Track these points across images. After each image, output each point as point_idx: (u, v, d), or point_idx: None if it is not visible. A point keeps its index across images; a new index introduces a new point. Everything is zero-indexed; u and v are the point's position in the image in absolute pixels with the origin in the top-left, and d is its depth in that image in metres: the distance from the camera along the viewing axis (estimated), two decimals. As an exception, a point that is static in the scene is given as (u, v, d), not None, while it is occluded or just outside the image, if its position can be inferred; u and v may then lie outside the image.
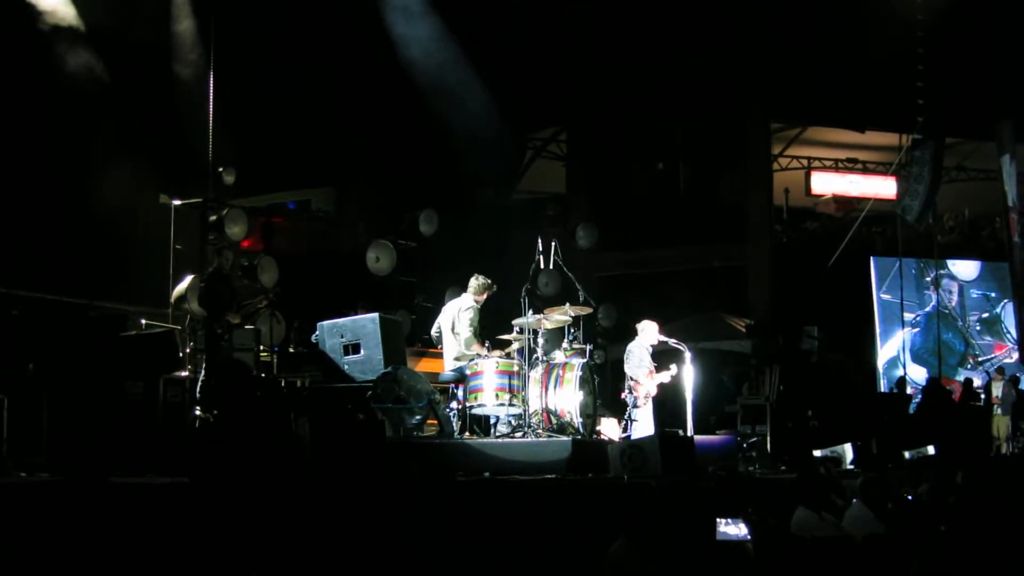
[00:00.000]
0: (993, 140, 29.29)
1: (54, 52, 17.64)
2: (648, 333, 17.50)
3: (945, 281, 29.35)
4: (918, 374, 28.34)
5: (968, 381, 27.66)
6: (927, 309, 28.70)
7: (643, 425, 16.98)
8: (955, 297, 29.64)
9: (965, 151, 33.60)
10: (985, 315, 29.49)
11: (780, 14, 24.76)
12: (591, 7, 25.98)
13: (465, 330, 16.30)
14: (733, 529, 9.26)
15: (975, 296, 29.74)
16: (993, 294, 29.67)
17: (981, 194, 33.53)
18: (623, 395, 17.32)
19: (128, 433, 13.04)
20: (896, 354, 28.79)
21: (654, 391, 17.17)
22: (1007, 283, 28.66)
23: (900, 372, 28.28)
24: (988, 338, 29.33)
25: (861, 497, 11.32)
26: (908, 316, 28.20)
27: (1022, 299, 28.09)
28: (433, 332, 17.00)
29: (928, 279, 28.64)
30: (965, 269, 29.99)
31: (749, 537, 9.23)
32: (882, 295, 29.17)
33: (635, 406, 17.07)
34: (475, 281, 16.62)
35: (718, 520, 9.30)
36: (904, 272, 28.29)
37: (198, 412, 14.27)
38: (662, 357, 17.73)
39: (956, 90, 26.20)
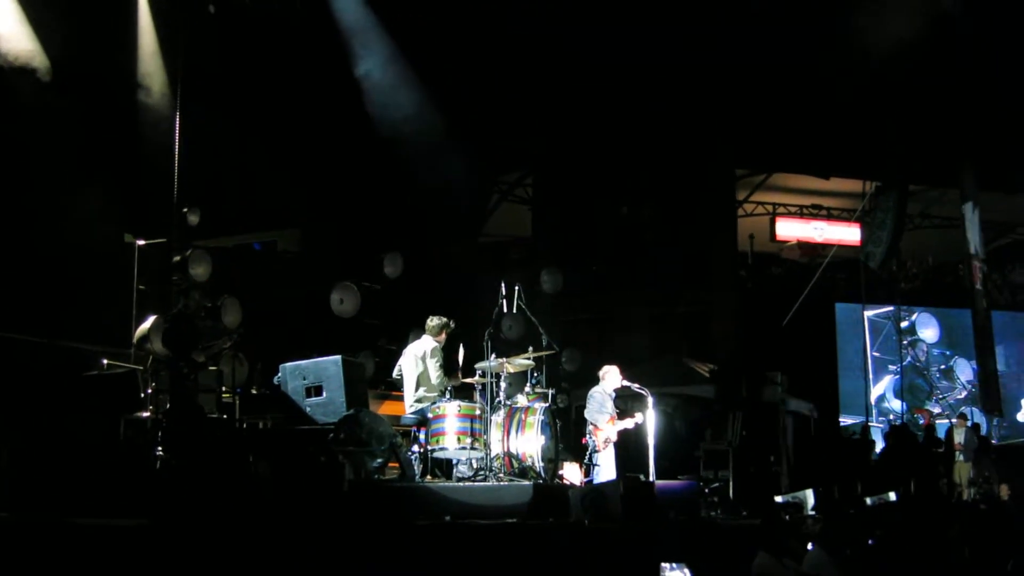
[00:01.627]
0: (957, 187, 29.57)
1: (14, 86, 17.62)
2: (611, 378, 17.54)
3: (919, 343, 33.46)
4: (897, 405, 32.64)
5: (930, 427, 28.08)
6: (904, 363, 32.65)
7: (605, 470, 17.01)
8: (923, 354, 33.37)
9: (929, 198, 33.85)
10: (943, 367, 33.51)
11: (746, 61, 24.91)
12: (559, 54, 26.15)
13: (435, 374, 16.36)
14: (677, 574, 9.32)
15: (935, 353, 33.49)
16: (948, 352, 33.52)
17: (944, 241, 33.77)
18: (584, 440, 17.35)
19: (89, 474, 13.00)
20: (883, 392, 32.55)
21: (614, 437, 17.20)
22: (957, 341, 32.99)
23: (887, 405, 32.15)
24: (945, 382, 33.51)
25: (820, 543, 11.37)
26: (892, 367, 32.62)
27: (983, 345, 28.34)
28: (395, 374, 17.02)
29: (906, 342, 32.78)
30: (929, 334, 33.63)
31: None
32: (874, 353, 32.41)
33: (595, 451, 17.11)
34: (431, 322, 16.69)
35: (661, 565, 9.35)
36: (884, 334, 32.26)
37: (160, 453, 14.26)
38: (626, 402, 17.79)
39: (920, 137, 26.40)
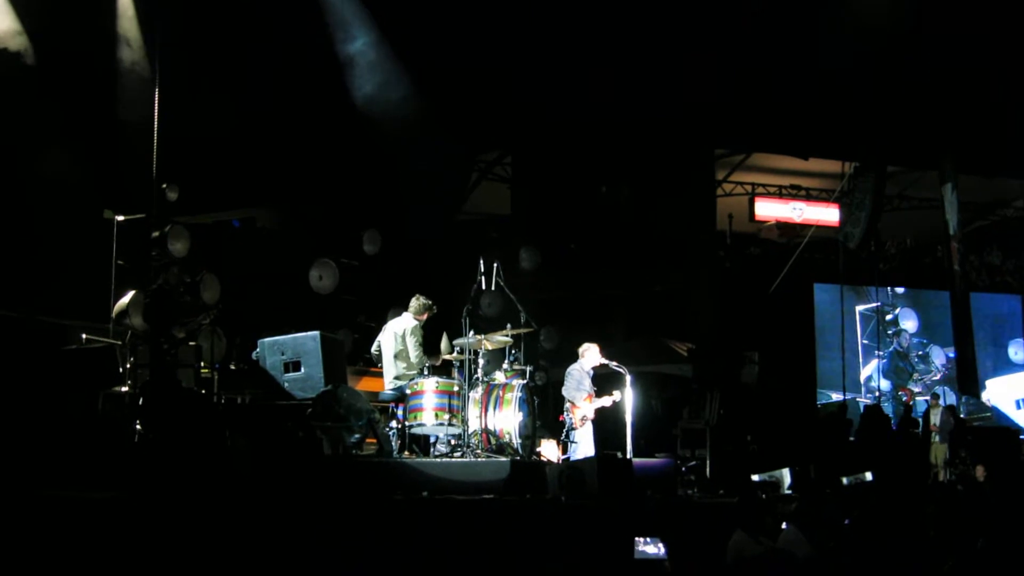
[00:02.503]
0: (935, 169, 29.64)
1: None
2: (590, 356, 17.58)
3: (902, 332, 34.30)
4: (884, 384, 33.78)
5: (907, 408, 28.23)
6: (889, 349, 33.94)
7: (583, 447, 17.05)
8: (906, 341, 34.28)
9: (908, 180, 33.91)
10: (920, 353, 34.45)
11: (724, 42, 24.90)
12: (539, 33, 26.10)
13: (414, 352, 16.41)
14: (651, 548, 9.38)
15: (915, 341, 34.43)
16: (924, 340, 34.47)
17: (923, 222, 33.86)
18: (562, 417, 17.41)
19: (67, 447, 13.03)
20: (871, 373, 33.46)
21: (591, 415, 17.24)
22: (933, 329, 34.10)
23: (874, 384, 33.03)
24: (923, 365, 34.37)
25: (795, 522, 11.44)
26: (879, 352, 33.84)
27: (960, 324, 28.51)
28: (373, 350, 17.07)
29: (891, 331, 34.08)
30: (910, 324, 34.48)
31: (666, 556, 9.35)
32: (863, 341, 33.44)
33: (572, 428, 17.16)
34: (415, 302, 16.73)
35: (636, 539, 9.41)
36: (872, 325, 33.49)
37: (138, 427, 14.28)
38: (604, 380, 17.83)
39: (899, 119, 26.46)
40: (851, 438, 24.78)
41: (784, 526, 11.43)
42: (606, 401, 17.27)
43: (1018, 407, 33.09)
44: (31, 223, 17.90)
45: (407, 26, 21.97)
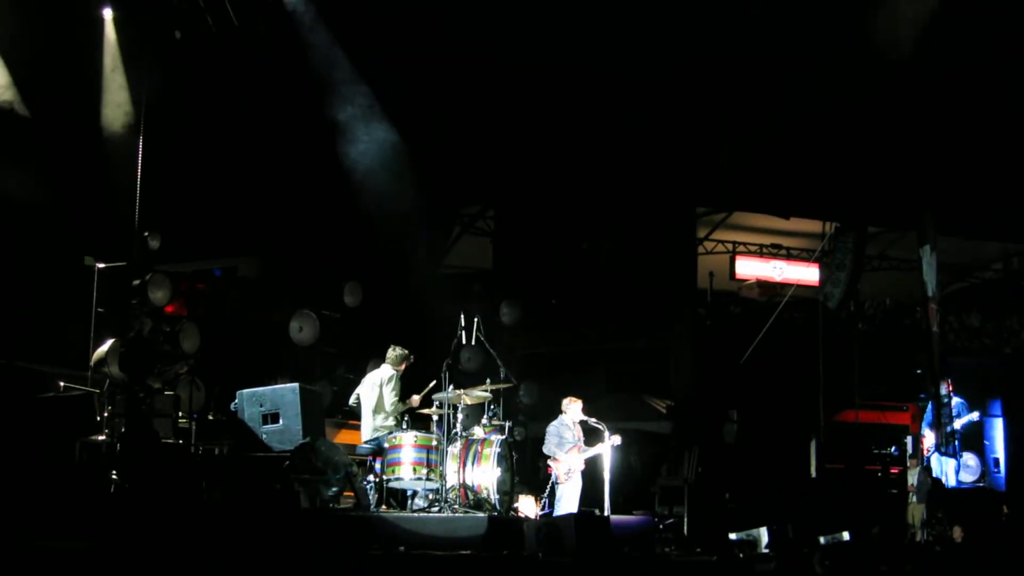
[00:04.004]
0: (915, 230, 29.72)
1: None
2: (572, 410, 17.59)
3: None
4: None
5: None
6: None
7: (567, 502, 17.05)
8: None
9: (888, 240, 33.99)
10: None
11: (708, 98, 25.01)
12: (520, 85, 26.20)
13: (389, 400, 16.43)
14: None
15: None
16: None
17: (903, 283, 33.89)
18: (550, 470, 17.40)
19: (43, 496, 12.96)
20: None
21: (581, 465, 17.22)
22: None
23: None
24: None
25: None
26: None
27: (936, 388, 28.54)
28: (352, 401, 17.10)
29: None
30: None
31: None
32: None
33: (556, 483, 17.15)
34: (392, 352, 16.79)
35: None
36: None
37: (114, 477, 14.21)
38: (585, 436, 17.81)
39: (879, 180, 26.56)
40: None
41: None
42: (595, 451, 17.25)
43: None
44: (11, 269, 17.87)
45: (391, 78, 22.04)
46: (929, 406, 24.66)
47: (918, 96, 24.31)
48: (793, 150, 25.60)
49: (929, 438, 24.63)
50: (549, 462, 17.31)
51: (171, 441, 15.77)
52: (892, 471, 25.91)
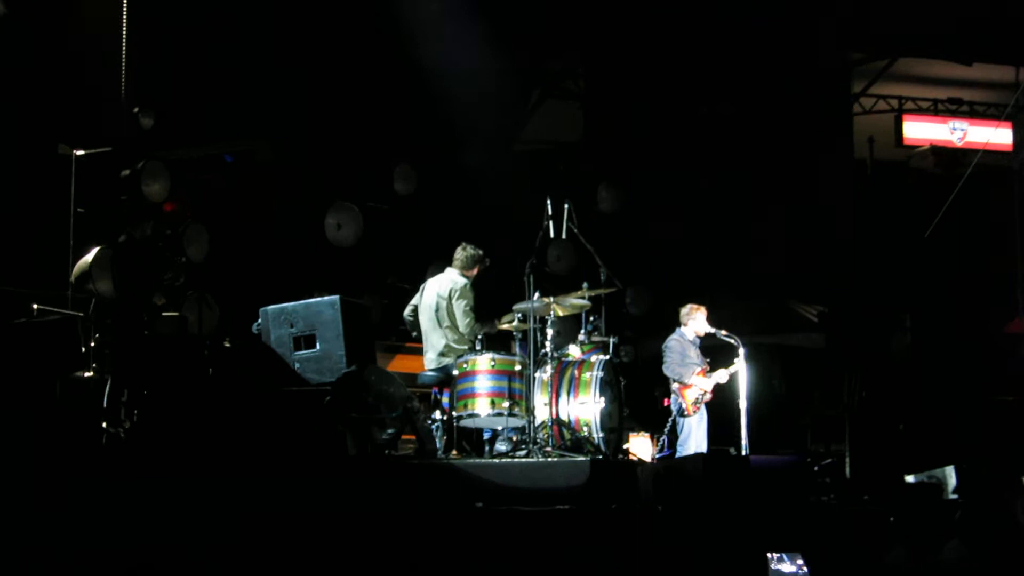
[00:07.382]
0: None
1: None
2: (695, 321, 17.55)
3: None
4: None
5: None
6: None
7: (695, 441, 17.03)
8: None
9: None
10: None
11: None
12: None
13: (464, 318, 16.35)
14: (787, 567, 9.28)
15: None
16: None
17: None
18: (667, 402, 17.34)
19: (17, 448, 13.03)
20: None
21: (708, 395, 17.17)
22: None
23: None
24: None
25: (960, 535, 11.29)
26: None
27: None
28: (406, 314, 16.98)
29: None
30: None
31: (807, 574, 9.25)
32: None
33: (681, 414, 17.09)
34: (462, 252, 16.67)
35: (769, 556, 9.31)
36: None
37: (106, 425, 14.26)
38: (710, 355, 17.75)
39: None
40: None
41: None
42: (723, 375, 17.22)
43: None
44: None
45: None
46: None
47: None
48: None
49: None
50: (673, 387, 17.24)
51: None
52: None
